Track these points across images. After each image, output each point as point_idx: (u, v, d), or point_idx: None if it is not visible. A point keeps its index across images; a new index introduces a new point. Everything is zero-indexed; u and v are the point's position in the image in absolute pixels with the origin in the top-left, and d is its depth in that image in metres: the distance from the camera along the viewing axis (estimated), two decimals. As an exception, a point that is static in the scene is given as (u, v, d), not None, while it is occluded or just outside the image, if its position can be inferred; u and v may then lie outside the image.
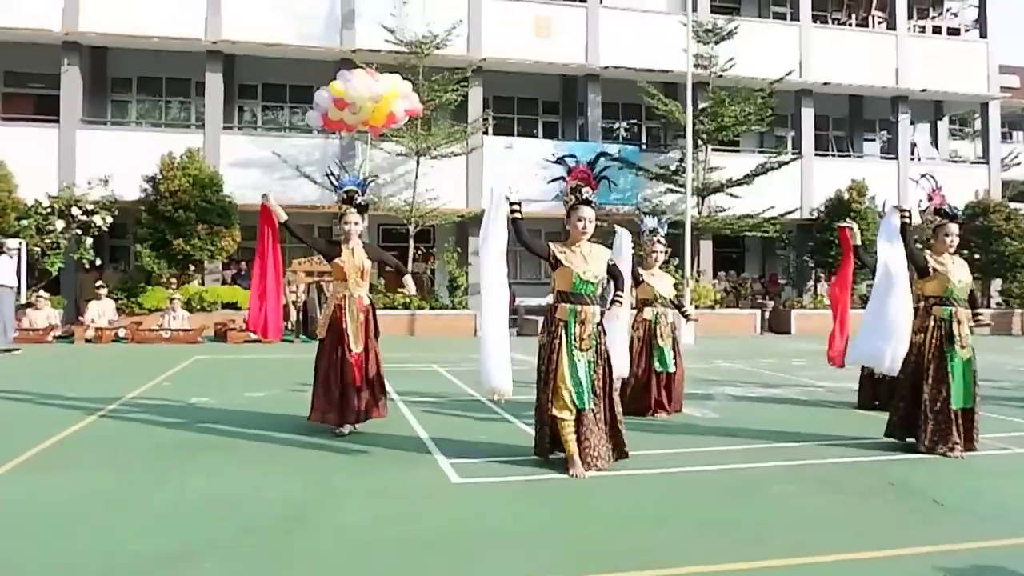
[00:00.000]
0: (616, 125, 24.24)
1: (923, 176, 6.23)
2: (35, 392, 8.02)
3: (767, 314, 21.04)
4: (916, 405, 5.79)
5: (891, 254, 5.78)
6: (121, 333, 14.69)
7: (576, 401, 5.00)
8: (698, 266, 20.75)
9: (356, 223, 6.30)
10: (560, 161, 5.37)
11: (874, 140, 26.39)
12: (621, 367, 6.77)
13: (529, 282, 20.88)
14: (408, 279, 6.80)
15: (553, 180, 5.49)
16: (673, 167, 20.34)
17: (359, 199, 6.33)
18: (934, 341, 5.78)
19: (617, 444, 5.21)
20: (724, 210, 20.20)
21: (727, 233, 20.80)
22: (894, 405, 6.04)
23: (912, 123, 24.87)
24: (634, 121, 24.34)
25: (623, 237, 6.92)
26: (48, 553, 3.50)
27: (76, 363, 11.35)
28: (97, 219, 16.66)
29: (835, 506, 4.40)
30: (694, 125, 19.98)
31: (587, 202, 5.16)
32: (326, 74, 18.01)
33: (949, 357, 5.72)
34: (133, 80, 21.19)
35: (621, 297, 5.41)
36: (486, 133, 21.83)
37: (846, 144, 25.41)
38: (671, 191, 20.73)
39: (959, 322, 5.79)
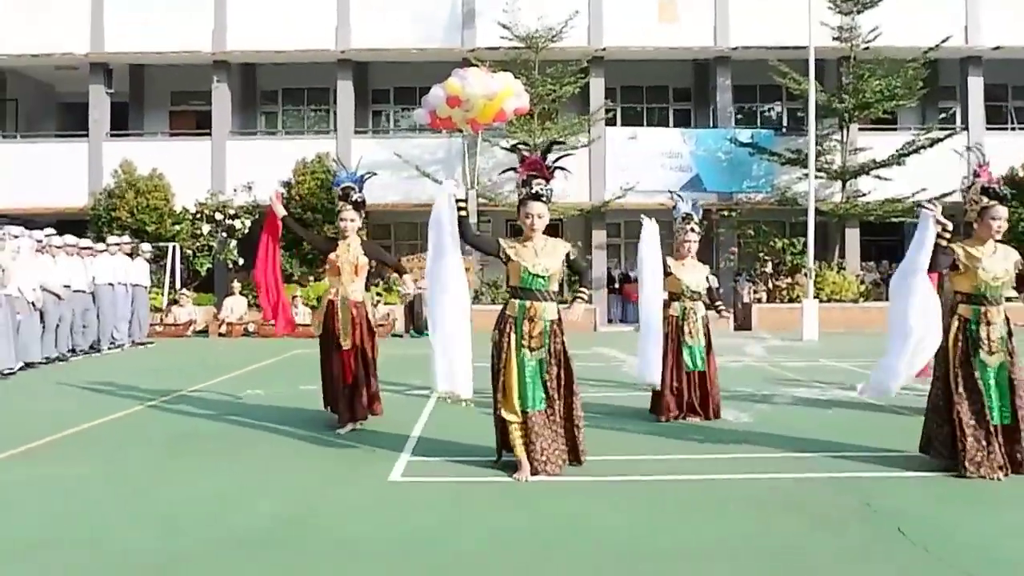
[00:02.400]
0: (754, 108, 22.85)
1: (969, 148, 5.33)
2: (114, 382, 8.80)
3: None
4: (948, 420, 4.94)
5: (917, 265, 4.89)
6: (251, 328, 15.81)
7: (522, 402, 4.74)
8: (840, 256, 19.15)
9: (352, 220, 6.35)
10: (514, 149, 5.08)
11: (1066, 108, 23.05)
12: (649, 374, 6.36)
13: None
14: (407, 278, 6.75)
15: (504, 171, 5.22)
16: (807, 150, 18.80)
17: (355, 196, 6.37)
18: (960, 345, 4.92)
19: (573, 449, 4.89)
20: (864, 194, 18.46)
21: (871, 220, 19.00)
22: (926, 416, 5.21)
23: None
24: (772, 104, 22.83)
25: (648, 228, 6.52)
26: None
27: (188, 355, 12.34)
28: (237, 223, 18.05)
29: (781, 532, 3.85)
30: (831, 103, 18.47)
31: (536, 196, 4.86)
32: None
33: (978, 364, 4.84)
34: (279, 92, 22.74)
35: (584, 294, 5.06)
36: (612, 124, 21.39)
37: (1029, 115, 22.41)
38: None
39: (989, 324, 4.89)
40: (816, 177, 19.13)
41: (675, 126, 22.02)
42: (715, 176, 20.18)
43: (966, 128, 20.20)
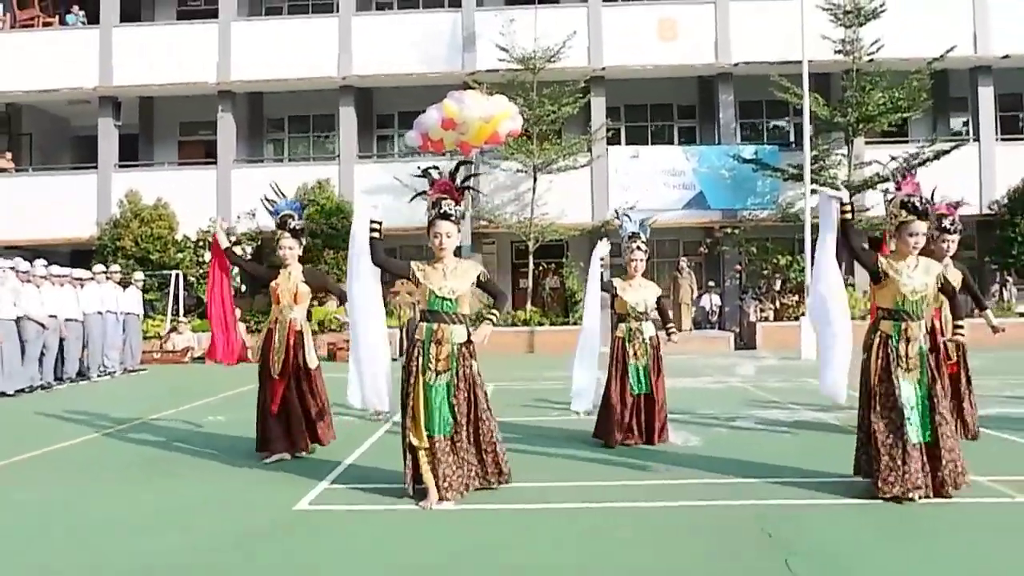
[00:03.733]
0: (761, 124, 22.59)
1: (894, 159, 5.16)
2: (84, 410, 8.85)
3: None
4: (868, 439, 4.76)
5: (826, 254, 4.84)
6: (249, 354, 15.85)
7: (428, 427, 4.64)
8: (847, 273, 18.73)
9: (291, 248, 6.33)
10: (425, 174, 5.03)
11: (1083, 118, 22.43)
12: (580, 401, 6.27)
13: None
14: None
15: (415, 196, 5.16)
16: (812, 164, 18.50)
17: (293, 224, 6.35)
18: (879, 361, 4.74)
19: (490, 471, 4.77)
20: (867, 209, 18.08)
21: (877, 235, 18.57)
22: (857, 436, 5.01)
23: None
24: (779, 120, 22.55)
25: (598, 249, 6.50)
26: None
27: (174, 381, 12.38)
28: (238, 249, 18.15)
29: (670, 561, 3.68)
30: (833, 117, 18.18)
31: (445, 216, 4.78)
32: (451, 98, 18.48)
33: (898, 380, 4.65)
34: (285, 120, 23.03)
35: (493, 315, 4.95)
36: (616, 143, 21.31)
37: (1045, 125, 21.84)
38: (814, 192, 18.92)
39: (908, 340, 4.70)
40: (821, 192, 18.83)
41: (680, 143, 21.87)
42: (719, 193, 19.94)
43: (977, 139, 19.75)
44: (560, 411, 8.09)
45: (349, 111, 20.74)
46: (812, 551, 3.73)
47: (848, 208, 4.79)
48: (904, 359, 4.69)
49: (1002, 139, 21.13)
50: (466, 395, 4.74)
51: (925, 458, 4.62)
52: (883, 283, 4.81)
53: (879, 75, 17.86)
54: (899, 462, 4.58)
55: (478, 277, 4.89)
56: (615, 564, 3.61)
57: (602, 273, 6.67)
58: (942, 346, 6.46)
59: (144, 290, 15.56)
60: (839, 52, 18.33)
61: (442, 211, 4.79)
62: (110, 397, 10.38)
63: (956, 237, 6.64)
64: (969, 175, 19.57)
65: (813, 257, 6.02)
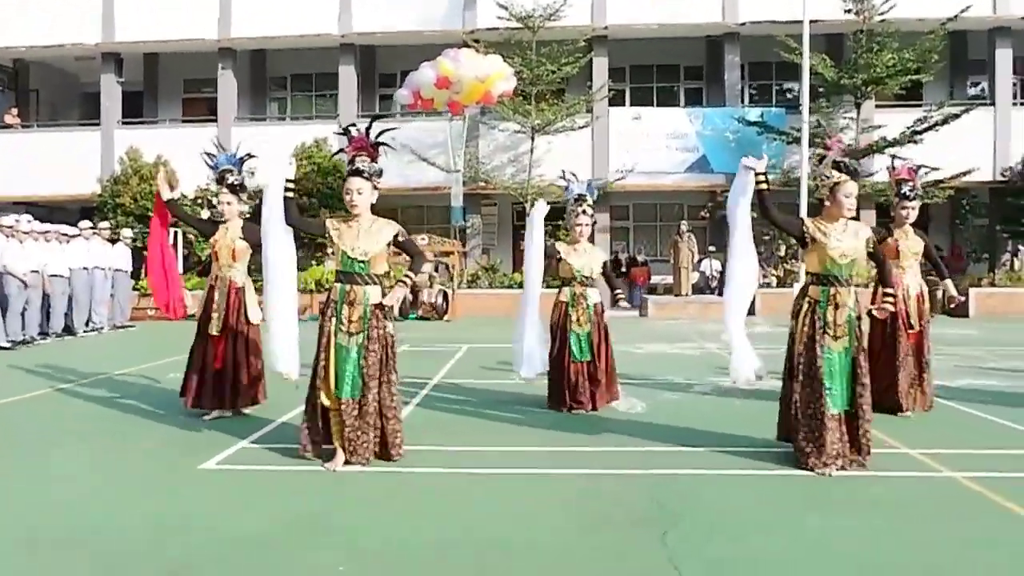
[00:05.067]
0: (770, 86, 22.03)
1: (819, 124, 4.94)
2: (56, 364, 8.94)
3: (939, 293, 18.08)
4: (789, 408, 4.64)
5: (740, 224, 4.68)
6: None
7: (338, 389, 4.57)
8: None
9: (229, 203, 6.24)
10: (345, 132, 4.89)
11: (1108, 81, 21.59)
12: (521, 365, 6.17)
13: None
14: None
15: (336, 153, 5.02)
16: (815, 128, 18.06)
17: (231, 179, 6.26)
18: (805, 328, 4.59)
19: (383, 442, 4.68)
20: (871, 174, 17.64)
21: (881, 201, 18.14)
22: (780, 405, 4.89)
23: None
24: (789, 82, 21.96)
25: (536, 211, 6.35)
26: None
27: (158, 338, 12.46)
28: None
29: (546, 532, 3.61)
30: (840, 79, 17.65)
31: (357, 172, 4.66)
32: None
33: (821, 349, 4.50)
34: (288, 78, 22.87)
35: (407, 279, 4.83)
36: (621, 104, 20.94)
37: (1068, 88, 21.06)
38: (821, 157, 18.48)
39: (837, 306, 4.54)
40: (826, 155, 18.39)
41: (686, 105, 21.44)
42: (722, 157, 19.52)
43: (992, 103, 19.11)
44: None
45: (349, 70, 20.54)
46: (698, 524, 3.63)
47: (763, 178, 4.61)
48: (832, 326, 4.55)
49: (1022, 103, 20.45)
50: (377, 356, 4.65)
51: (844, 428, 4.51)
52: (811, 247, 4.65)
53: (889, 35, 17.27)
54: (816, 433, 4.47)
55: (395, 236, 4.77)
56: (474, 537, 3.51)
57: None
58: (901, 314, 6.33)
59: (142, 247, 15.63)
60: (848, 11, 17.73)
61: (354, 167, 4.66)
62: (87, 353, 10.48)
63: (916, 204, 6.42)
64: (984, 140, 19.02)
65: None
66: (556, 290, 6.50)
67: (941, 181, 17.54)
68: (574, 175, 6.79)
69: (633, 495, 4.08)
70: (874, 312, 5.07)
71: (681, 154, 19.55)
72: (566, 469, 4.57)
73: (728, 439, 5.23)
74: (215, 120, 20.86)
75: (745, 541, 3.44)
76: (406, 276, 4.83)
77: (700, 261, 19.65)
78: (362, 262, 4.65)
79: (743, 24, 19.26)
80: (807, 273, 4.76)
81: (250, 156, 6.48)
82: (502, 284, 17.84)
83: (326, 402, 4.62)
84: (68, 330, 12.31)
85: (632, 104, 21.34)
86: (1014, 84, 19.87)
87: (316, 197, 17.89)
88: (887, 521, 3.71)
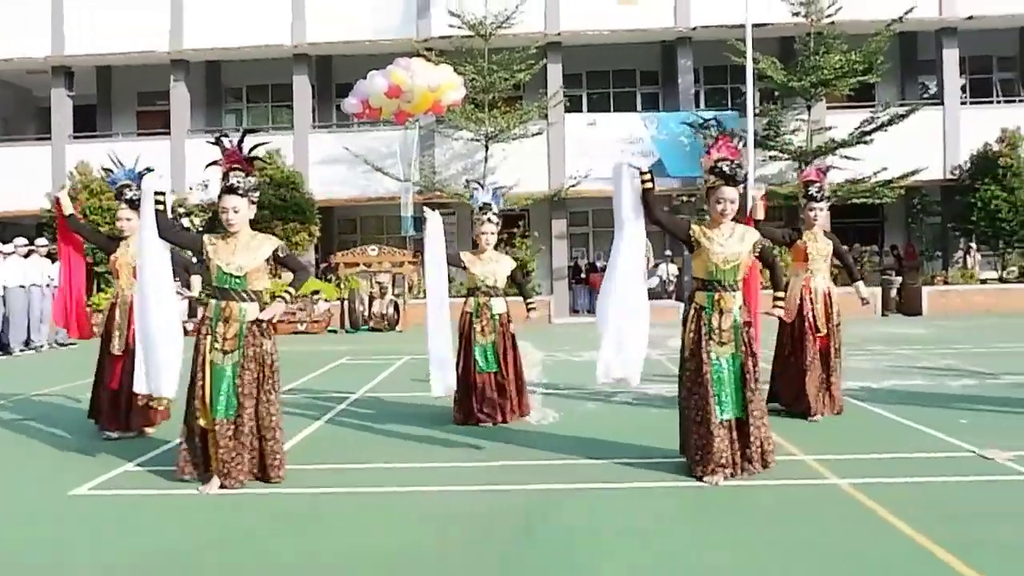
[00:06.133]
0: (724, 90, 22.12)
1: (707, 122, 4.93)
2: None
3: (893, 292, 18.27)
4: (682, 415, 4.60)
5: (628, 222, 4.62)
6: (189, 327, 15.74)
7: (213, 409, 4.47)
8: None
9: (128, 219, 6.13)
10: (218, 142, 4.79)
11: (1057, 80, 21.85)
12: (440, 382, 6.06)
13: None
14: (195, 280, 6.48)
15: (208, 165, 4.92)
16: (765, 130, 18.16)
17: (130, 194, 6.14)
18: (692, 335, 4.54)
19: (262, 465, 4.57)
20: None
21: (834, 202, 18.24)
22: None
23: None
24: (743, 85, 22.04)
25: (431, 221, 6.23)
26: None
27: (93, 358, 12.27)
28: (186, 221, 17.99)
29: (404, 549, 3.54)
30: (789, 81, 17.75)
31: (231, 190, 4.56)
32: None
33: (708, 355, 4.45)
34: (243, 89, 22.70)
35: (288, 292, 4.74)
36: (578, 110, 20.95)
37: (1017, 87, 21.29)
38: (773, 159, 18.62)
39: (722, 311, 4.50)
40: (778, 159, 18.52)
41: (643, 110, 21.44)
42: (677, 161, 19.53)
43: (941, 103, 19.31)
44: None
45: (303, 80, 20.42)
46: (565, 539, 3.57)
47: (648, 178, 4.56)
48: (718, 331, 4.49)
49: (971, 102, 20.68)
50: (254, 375, 4.55)
51: (734, 435, 4.46)
52: (697, 252, 4.61)
53: (836, 38, 17.40)
54: (704, 440, 4.42)
55: (275, 252, 4.69)
56: (318, 561, 3.44)
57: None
58: (809, 318, 6.31)
59: (96, 263, 15.38)
60: (796, 15, 17.86)
61: (229, 184, 4.56)
62: (13, 372, 10.27)
63: (823, 205, 6.42)
64: (934, 140, 19.21)
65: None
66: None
67: (891, 181, 17.70)
68: (479, 184, 6.72)
69: (500, 511, 4.00)
70: (777, 315, 5.02)
71: (636, 159, 19.10)
72: (450, 486, 4.50)
73: (631, 450, 5.16)
74: (169, 133, 20.65)
75: (605, 556, 3.38)
76: (286, 292, 4.76)
77: (656, 266, 19.67)
78: (238, 277, 4.56)
79: (695, 29, 19.35)
80: (693, 278, 4.71)
81: (149, 170, 6.33)
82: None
83: (202, 423, 4.51)
84: (3, 348, 12.08)
85: (589, 110, 21.35)
86: (962, 84, 20.06)
87: (268, 209, 17.68)
88: (756, 531, 3.67)
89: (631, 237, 4.63)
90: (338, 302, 16.48)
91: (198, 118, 21.55)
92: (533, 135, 18.93)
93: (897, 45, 20.31)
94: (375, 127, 20.88)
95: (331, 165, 19.76)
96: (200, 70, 21.54)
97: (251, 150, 4.72)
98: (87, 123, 21.90)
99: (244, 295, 4.57)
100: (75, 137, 20.92)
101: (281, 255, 4.71)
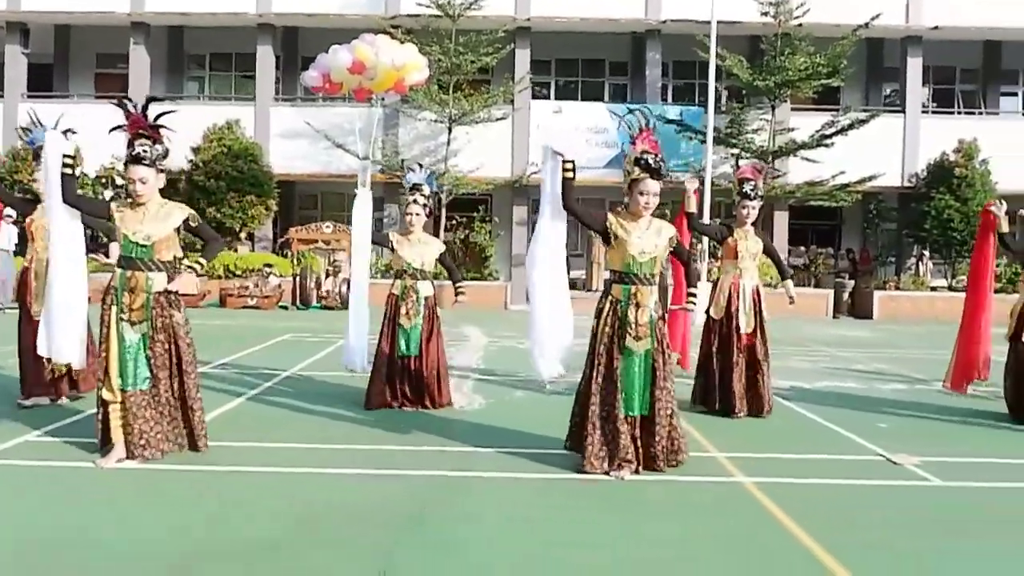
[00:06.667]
0: (693, 85, 22.15)
1: (631, 112, 4.87)
2: None
3: (846, 295, 18.49)
4: (583, 409, 4.55)
5: (551, 207, 4.59)
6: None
7: (122, 380, 4.35)
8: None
9: (38, 181, 5.94)
10: (121, 106, 4.63)
11: (1016, 95, 22.19)
12: (350, 360, 6.01)
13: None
14: (113, 247, 6.31)
15: (112, 129, 4.76)
16: (728, 128, 18.23)
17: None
18: (606, 328, 4.50)
19: (190, 433, 4.51)
20: (781, 175, 17.88)
21: (792, 203, 18.45)
22: (573, 407, 4.77)
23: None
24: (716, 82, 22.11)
25: (360, 198, 6.16)
26: None
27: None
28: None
29: (265, 537, 3.46)
30: (754, 80, 17.82)
31: (137, 159, 4.42)
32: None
33: (622, 350, 4.42)
34: (207, 56, 22.23)
35: (199, 263, 4.62)
36: (546, 97, 20.85)
37: (977, 99, 21.61)
38: (736, 156, 18.69)
39: (639, 306, 4.46)
40: (744, 157, 18.60)
41: (611, 101, 21.41)
42: (642, 154, 19.55)
43: (903, 110, 19.52)
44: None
45: (267, 50, 20.04)
46: (440, 525, 3.53)
47: (570, 167, 4.50)
48: (634, 326, 4.45)
49: (933, 111, 20.96)
50: (165, 347, 4.45)
51: (639, 432, 4.44)
52: (613, 244, 4.56)
53: (802, 39, 17.48)
54: (610, 436, 4.39)
55: (186, 221, 4.55)
56: (192, 536, 3.37)
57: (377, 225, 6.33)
58: (737, 316, 6.31)
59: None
60: (764, 14, 17.90)
61: (134, 153, 4.42)
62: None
63: (756, 203, 6.41)
64: (894, 147, 19.43)
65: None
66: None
67: (848, 185, 17.87)
68: (415, 165, 6.63)
69: (401, 497, 3.95)
70: (689, 310, 4.99)
71: (601, 149, 19.55)
72: (348, 468, 4.42)
73: (545, 441, 5.12)
74: (128, 97, 20.12)
75: (486, 543, 3.34)
76: (197, 262, 4.63)
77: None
78: (144, 247, 4.43)
79: (664, 22, 19.31)
80: (610, 271, 4.66)
81: (71, 131, 6.15)
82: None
83: (107, 395, 4.39)
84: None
85: (557, 98, 21.27)
86: (925, 93, 20.30)
87: (225, 180, 17.40)
88: (643, 525, 3.66)
89: (554, 222, 4.59)
90: (291, 278, 16.27)
91: (158, 84, 21.04)
92: (497, 120, 18.78)
93: (864, 51, 20.48)
94: (339, 103, 20.60)
95: (293, 139, 19.45)
96: (162, 35, 21.04)
97: (157, 118, 4.55)
98: (43, 82, 21.29)
99: (151, 264, 4.44)
100: (29, 96, 20.32)
101: (193, 224, 4.58)
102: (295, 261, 16.18)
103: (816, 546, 3.39)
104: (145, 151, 4.42)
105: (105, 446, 4.44)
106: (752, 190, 6.35)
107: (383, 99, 18.12)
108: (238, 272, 17.16)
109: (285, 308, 15.50)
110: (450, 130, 18.55)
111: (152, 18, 19.85)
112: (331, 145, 18.88)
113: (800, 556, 3.32)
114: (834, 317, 17.88)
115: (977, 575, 3.19)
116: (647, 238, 4.51)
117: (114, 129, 4.66)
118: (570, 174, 4.50)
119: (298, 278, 15.83)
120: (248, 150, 18.05)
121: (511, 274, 19.88)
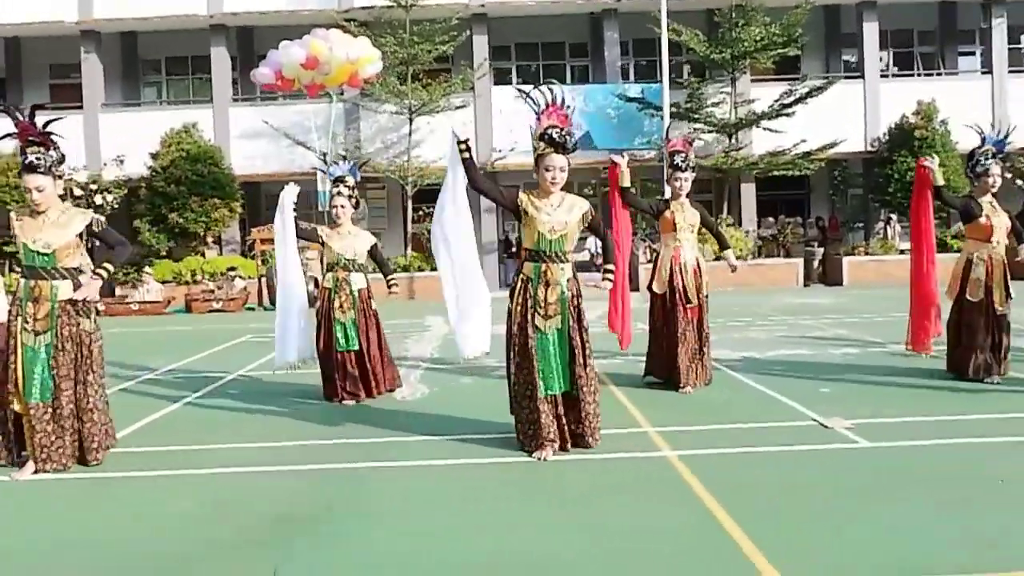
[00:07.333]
0: (653, 62, 22.04)
1: (536, 87, 4.80)
2: None
3: (816, 263, 18.53)
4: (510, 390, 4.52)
5: (451, 193, 4.56)
6: (100, 308, 15.29)
7: (26, 392, 4.26)
8: (729, 212, 18.60)
9: None
10: (7, 112, 4.52)
11: (973, 54, 22.22)
12: (282, 354, 5.94)
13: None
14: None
15: (2, 138, 4.64)
16: (687, 103, 18.18)
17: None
18: (519, 307, 4.45)
19: (80, 445, 4.40)
20: (743, 147, 17.85)
21: (756, 174, 18.44)
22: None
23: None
24: (671, 57, 22.02)
25: (285, 192, 6.09)
26: None
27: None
28: (98, 198, 17.35)
29: (196, 534, 3.41)
30: (710, 53, 17.76)
31: (31, 168, 4.30)
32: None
33: (533, 328, 4.37)
34: (162, 61, 21.95)
35: (105, 268, 4.51)
36: (507, 83, 20.69)
37: (936, 61, 21.63)
38: (698, 132, 18.64)
39: (548, 283, 4.41)
40: (706, 131, 18.55)
41: (573, 83, 21.28)
42: (605, 133, 19.50)
43: (862, 76, 19.51)
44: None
45: (222, 51, 19.79)
46: (357, 521, 3.49)
47: (464, 148, 4.47)
48: (543, 304, 4.40)
49: (894, 75, 20.97)
50: (71, 357, 4.35)
51: (562, 410, 4.40)
52: (524, 222, 4.51)
53: (755, 10, 17.42)
54: (533, 415, 4.36)
55: (88, 227, 4.45)
56: (86, 540, 3.31)
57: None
58: (680, 289, 6.26)
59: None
60: (717, -16, 17.85)
61: (28, 162, 4.31)
62: None
63: (689, 175, 6.35)
64: (855, 113, 19.41)
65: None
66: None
67: (810, 153, 17.87)
68: (340, 158, 6.54)
69: (302, 493, 3.89)
70: (605, 288, 4.92)
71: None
72: (269, 466, 4.38)
73: (480, 425, 5.10)
74: (82, 107, 19.88)
75: (400, 531, 3.30)
76: (104, 267, 4.52)
77: (585, 238, 19.65)
78: (45, 255, 4.33)
79: (619, 0, 19.19)
80: (523, 249, 4.60)
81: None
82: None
83: (17, 407, 4.31)
84: None
85: (519, 82, 21.11)
86: (881, 57, 20.29)
87: (186, 184, 17.19)
88: (560, 505, 3.63)
89: (456, 207, 4.55)
90: (256, 279, 16.14)
91: (114, 91, 20.79)
92: (457, 108, 18.64)
93: (821, 19, 20.45)
94: (298, 100, 20.41)
95: (253, 139, 19.24)
96: (114, 41, 20.72)
97: (45, 125, 4.44)
98: (-3, 96, 21.02)
99: (55, 273, 4.34)
100: (-18, 111, 20.01)
101: (96, 229, 4.48)
102: (260, 262, 16.03)
103: (727, 517, 3.35)
104: (39, 159, 4.31)
105: (9, 456, 4.39)
106: (683, 161, 6.29)
107: (341, 93, 18.06)
108: (205, 277, 17.02)
109: (252, 309, 15.38)
110: (411, 121, 18.41)
111: (102, 25, 19.55)
112: (292, 143, 18.71)
113: (710, 529, 3.28)
114: (805, 286, 17.92)
115: (884, 536, 3.15)
116: (557, 215, 4.46)
117: (3, 137, 4.53)
118: (466, 154, 4.49)
119: (263, 279, 15.68)
120: (207, 153, 17.83)
121: (482, 262, 19.79)
